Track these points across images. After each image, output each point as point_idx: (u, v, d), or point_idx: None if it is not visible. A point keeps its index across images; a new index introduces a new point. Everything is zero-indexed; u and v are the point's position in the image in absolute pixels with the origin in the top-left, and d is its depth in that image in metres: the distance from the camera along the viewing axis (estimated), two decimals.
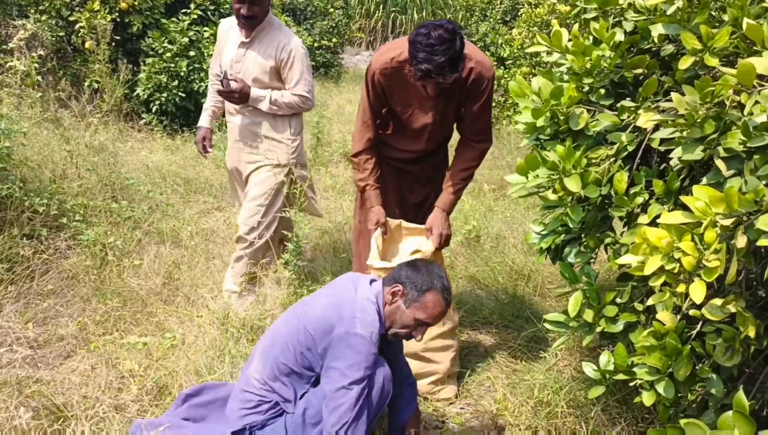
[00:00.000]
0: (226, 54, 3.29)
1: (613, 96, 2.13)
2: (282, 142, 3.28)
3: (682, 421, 1.46)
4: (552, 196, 2.01)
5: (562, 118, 2.04)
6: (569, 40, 2.09)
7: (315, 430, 2.12)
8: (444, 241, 2.84)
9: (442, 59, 2.44)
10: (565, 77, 2.14)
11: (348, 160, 6.41)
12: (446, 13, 17.99)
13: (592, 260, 2.13)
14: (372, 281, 2.28)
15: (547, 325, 2.06)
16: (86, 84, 6.32)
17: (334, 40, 12.06)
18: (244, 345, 2.73)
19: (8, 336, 2.71)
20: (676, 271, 1.52)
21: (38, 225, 3.46)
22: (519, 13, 10.28)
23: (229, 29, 3.34)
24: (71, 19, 6.34)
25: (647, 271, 1.54)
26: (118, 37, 6.39)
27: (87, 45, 6.33)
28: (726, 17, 1.77)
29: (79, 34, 6.35)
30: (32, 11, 6.30)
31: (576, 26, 2.13)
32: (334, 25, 12.18)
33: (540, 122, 2.02)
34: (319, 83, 10.91)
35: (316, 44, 11.72)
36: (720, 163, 1.61)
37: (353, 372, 2.05)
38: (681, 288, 1.55)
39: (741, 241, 1.48)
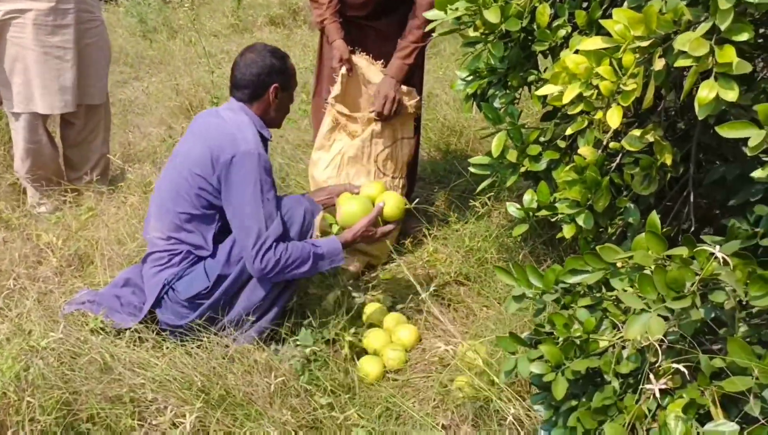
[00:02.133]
0: None
1: None
2: None
3: (598, 247, 1.48)
4: (473, 33, 1.92)
5: None
6: None
7: (238, 266, 2.10)
8: (392, 106, 2.66)
9: None
10: None
11: (272, 24, 6.10)
12: None
13: (517, 101, 2.08)
14: (226, 107, 2.24)
15: (472, 169, 2.03)
16: None
17: None
18: None
19: None
20: (594, 97, 1.48)
21: None
22: None
23: None
24: None
25: (566, 100, 1.50)
26: None
27: None
28: None
29: None
30: None
31: None
32: None
33: None
34: None
35: None
36: None
37: (257, 193, 2.06)
38: (599, 115, 1.51)
39: (658, 64, 1.44)
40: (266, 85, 2.20)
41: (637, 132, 1.71)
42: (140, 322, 2.07)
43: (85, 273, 2.39)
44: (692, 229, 1.80)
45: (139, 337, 2.02)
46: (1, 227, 2.65)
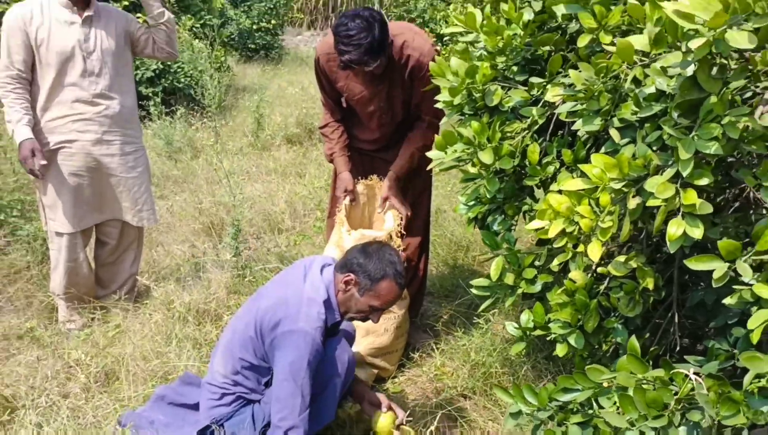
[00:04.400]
0: (57, 39, 2.90)
1: (528, 72, 2.26)
2: None
3: (587, 368, 1.62)
4: (472, 169, 2.14)
5: (478, 95, 2.16)
6: (483, 21, 2.21)
7: None
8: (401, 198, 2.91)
9: (361, 49, 2.54)
10: (481, 55, 2.26)
11: (290, 142, 6.47)
12: None
13: (513, 227, 2.27)
14: (324, 267, 2.30)
15: (474, 290, 2.20)
16: None
17: (273, 21, 11.97)
18: (192, 328, 2.81)
19: None
20: (576, 232, 1.67)
21: None
22: None
23: (34, 15, 2.88)
24: None
25: (551, 235, 1.68)
26: None
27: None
28: None
29: None
30: None
31: (488, 7, 2.24)
32: (272, 6, 12.09)
33: (457, 100, 2.14)
34: (258, 66, 10.87)
35: (255, 26, 11.64)
36: (614, 133, 1.76)
37: (295, 371, 2.09)
38: (581, 248, 1.69)
39: (632, 203, 1.63)
40: (350, 270, 2.23)
41: (621, 258, 1.89)
42: None
43: (111, 389, 2.52)
44: (677, 347, 1.93)
45: None
46: (34, 345, 2.82)
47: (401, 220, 2.87)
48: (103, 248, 3.24)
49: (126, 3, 6.43)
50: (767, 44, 1.46)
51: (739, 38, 1.32)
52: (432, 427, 2.46)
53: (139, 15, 6.65)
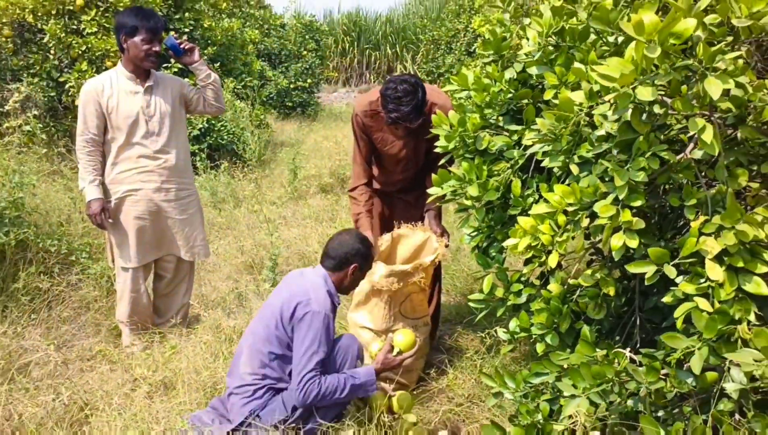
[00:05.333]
0: (124, 106, 3.44)
1: (515, 121, 2.72)
2: None
3: (551, 354, 2.02)
4: (465, 202, 2.58)
5: (469, 141, 2.62)
6: (474, 80, 2.68)
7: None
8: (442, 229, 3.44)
9: (408, 108, 3.06)
10: (472, 108, 2.73)
11: (323, 191, 7.00)
12: (416, 47, 18.77)
13: (504, 251, 2.69)
14: (313, 271, 2.84)
15: (471, 304, 2.61)
16: (61, 142, 6.84)
17: (308, 80, 12.73)
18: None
19: (37, 354, 3.23)
20: (539, 246, 2.09)
21: (51, 263, 4.00)
22: (476, 47, 10.97)
23: (105, 87, 3.44)
24: (61, 80, 6.91)
25: (520, 248, 2.11)
26: None
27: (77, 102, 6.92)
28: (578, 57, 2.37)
29: (69, 93, 6.91)
30: (25, 75, 6.87)
31: (477, 69, 2.72)
32: (308, 66, 12.87)
33: (452, 145, 2.60)
34: (296, 122, 11.55)
35: (291, 85, 12.40)
36: (573, 168, 2.19)
37: (312, 343, 2.61)
38: (544, 258, 2.11)
39: (584, 222, 2.05)
40: (349, 263, 2.81)
41: (588, 271, 2.30)
42: None
43: (169, 396, 2.98)
44: (638, 344, 2.31)
45: None
46: (104, 363, 3.31)
47: (446, 246, 3.33)
48: (161, 281, 3.75)
49: (175, 70, 7.13)
50: (678, 94, 1.89)
51: (645, 92, 1.76)
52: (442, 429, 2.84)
53: (187, 78, 7.36)
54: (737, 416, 1.78)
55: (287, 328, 2.66)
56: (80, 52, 6.95)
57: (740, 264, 1.82)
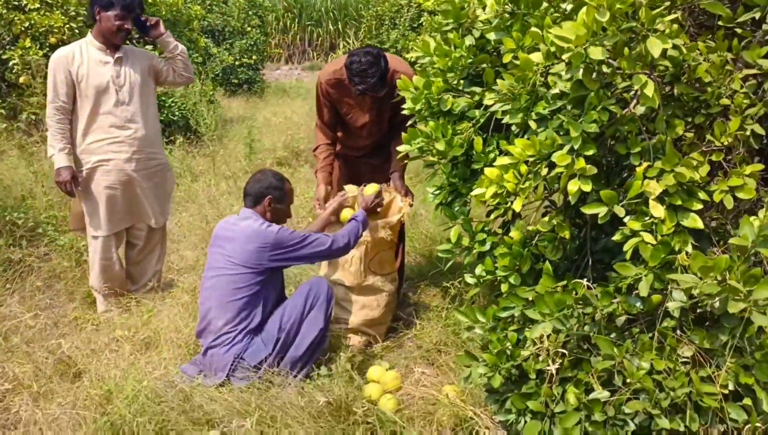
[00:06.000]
0: (94, 75, 3.53)
1: (475, 84, 2.94)
2: None
3: (517, 289, 2.27)
4: (431, 158, 2.80)
5: (434, 103, 2.83)
6: (435, 47, 2.88)
7: (286, 329, 2.88)
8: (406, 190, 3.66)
9: (373, 80, 3.24)
10: (436, 72, 2.93)
11: (279, 165, 7.12)
12: (358, 23, 18.81)
13: (468, 204, 2.92)
14: (241, 217, 3.10)
15: (439, 254, 2.83)
16: (24, 116, 6.77)
17: (254, 57, 12.69)
18: None
19: (19, 320, 3.32)
20: (504, 194, 2.32)
21: (18, 235, 4.04)
22: (422, 21, 11.16)
23: (75, 56, 3.52)
24: (4, 57, 6.79)
25: (487, 196, 2.34)
26: None
27: (22, 80, 6.80)
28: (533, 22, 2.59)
29: (13, 71, 6.80)
30: None
31: (438, 36, 2.93)
32: (252, 43, 12.82)
33: (418, 106, 2.81)
34: (243, 99, 11.55)
35: (237, 62, 12.34)
36: (532, 123, 2.42)
37: (301, 238, 2.97)
38: (509, 204, 2.34)
39: (543, 171, 2.29)
40: (263, 196, 3.10)
41: (546, 218, 2.55)
42: None
43: (154, 353, 3.12)
44: (592, 281, 2.58)
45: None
46: (89, 324, 3.41)
47: (410, 205, 3.56)
48: (133, 249, 3.85)
49: (148, 46, 7.10)
50: (624, 52, 2.13)
51: (596, 52, 2.00)
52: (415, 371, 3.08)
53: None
54: (679, 332, 2.06)
55: (254, 262, 2.90)
56: (23, 28, 6.84)
57: (678, 202, 2.10)
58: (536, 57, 2.23)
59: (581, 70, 2.16)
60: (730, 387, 1.91)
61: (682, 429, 1.92)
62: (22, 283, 3.74)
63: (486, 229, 2.81)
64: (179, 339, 3.15)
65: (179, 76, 3.80)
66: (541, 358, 2.19)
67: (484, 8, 2.80)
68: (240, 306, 2.88)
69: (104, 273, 3.66)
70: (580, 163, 2.18)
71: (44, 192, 4.60)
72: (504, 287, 2.56)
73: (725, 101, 2.22)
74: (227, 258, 2.94)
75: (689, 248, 2.07)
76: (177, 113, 7.68)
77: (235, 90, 12.27)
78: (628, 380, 2.00)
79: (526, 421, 2.16)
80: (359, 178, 3.78)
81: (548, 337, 2.13)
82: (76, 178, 3.52)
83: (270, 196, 3.11)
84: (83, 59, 3.51)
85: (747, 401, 1.90)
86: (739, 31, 2.29)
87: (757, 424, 1.91)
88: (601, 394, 2.03)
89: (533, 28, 2.35)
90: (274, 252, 2.93)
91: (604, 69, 2.22)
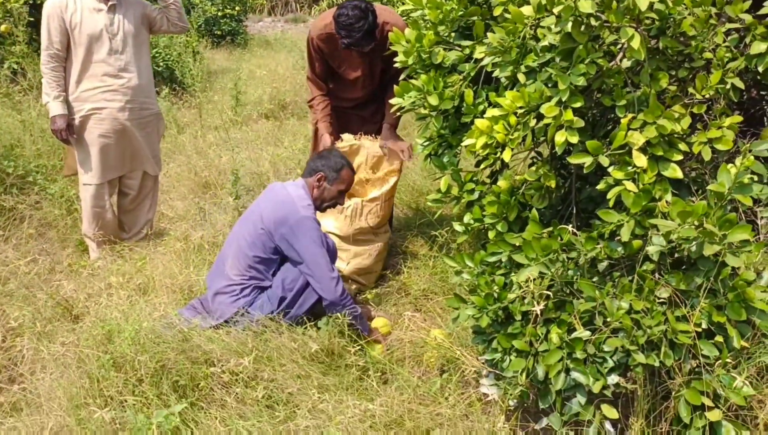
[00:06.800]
0: (88, 23, 3.53)
1: (465, 37, 2.98)
2: None
3: (505, 235, 2.37)
4: (423, 111, 2.86)
5: (425, 56, 2.87)
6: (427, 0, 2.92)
7: (293, 290, 2.94)
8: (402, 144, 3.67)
9: (359, 34, 3.25)
10: (427, 25, 2.98)
11: (265, 117, 7.13)
12: None
13: (458, 155, 3.00)
14: (293, 183, 3.09)
15: (429, 203, 2.92)
16: (5, 66, 6.69)
17: (236, 8, 12.50)
18: (206, 253, 3.49)
19: (16, 266, 3.38)
20: (494, 144, 2.40)
21: (9, 184, 4.06)
22: None
23: (68, 3, 3.51)
24: None
25: (477, 147, 2.42)
26: (32, 19, 6.77)
27: (3, 28, 6.69)
28: None
29: None
30: None
31: None
32: None
33: (410, 60, 2.86)
34: (226, 51, 11.42)
35: (220, 13, 12.15)
36: (521, 76, 2.49)
37: (315, 242, 2.91)
38: (498, 154, 2.43)
39: (532, 122, 2.37)
40: (317, 170, 3.10)
41: (533, 168, 2.64)
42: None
43: (149, 298, 3.20)
44: (576, 227, 2.68)
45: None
46: (77, 275, 3.48)
47: (409, 157, 3.61)
48: (125, 198, 3.90)
49: None
50: (612, 6, 2.19)
51: (585, 5, 2.06)
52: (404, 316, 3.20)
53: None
54: (657, 275, 2.18)
55: (275, 235, 2.92)
56: None
57: (660, 153, 2.19)
58: (527, 10, 2.28)
59: (570, 23, 2.23)
60: (704, 325, 2.04)
61: (656, 364, 2.06)
62: (15, 230, 3.78)
63: (475, 178, 2.90)
64: (174, 285, 3.23)
65: (173, 26, 3.80)
66: (526, 301, 2.30)
67: None
68: (252, 264, 2.96)
69: (97, 220, 3.71)
70: (568, 114, 2.25)
71: (33, 141, 4.60)
72: (491, 234, 2.66)
73: (708, 55, 2.30)
74: (259, 216, 2.98)
75: (669, 196, 2.17)
76: (162, 64, 7.62)
77: (218, 42, 12.11)
78: (608, 320, 2.12)
79: (511, 359, 2.28)
80: (349, 129, 3.83)
81: (534, 280, 2.24)
82: (71, 126, 3.54)
83: (322, 173, 3.10)
84: (77, 6, 3.50)
85: (719, 339, 2.03)
86: None
87: (728, 360, 2.05)
88: (582, 333, 2.15)
89: None
90: (285, 230, 2.91)
91: (593, 22, 2.28)
